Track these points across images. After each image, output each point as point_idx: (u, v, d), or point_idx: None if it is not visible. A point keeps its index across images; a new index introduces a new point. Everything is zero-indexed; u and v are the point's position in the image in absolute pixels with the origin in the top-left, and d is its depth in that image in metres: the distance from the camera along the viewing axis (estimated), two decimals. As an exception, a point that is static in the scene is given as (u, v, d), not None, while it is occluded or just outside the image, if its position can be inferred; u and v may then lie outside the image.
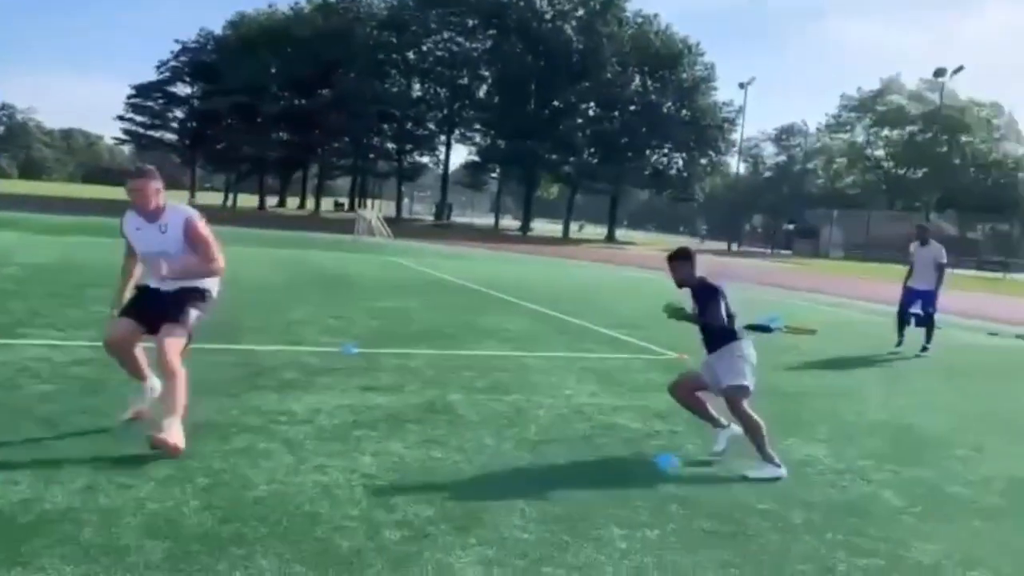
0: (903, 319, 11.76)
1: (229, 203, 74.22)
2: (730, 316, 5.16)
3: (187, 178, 79.43)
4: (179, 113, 77.60)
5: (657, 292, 11.30)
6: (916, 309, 11.67)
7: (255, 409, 5.59)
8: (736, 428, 5.20)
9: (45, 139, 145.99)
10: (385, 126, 70.36)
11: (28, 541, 3.27)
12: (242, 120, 70.41)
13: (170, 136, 78.84)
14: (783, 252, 67.05)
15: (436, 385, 6.86)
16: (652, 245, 56.57)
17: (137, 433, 4.67)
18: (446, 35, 68.22)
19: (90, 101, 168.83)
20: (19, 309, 9.03)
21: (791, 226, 76.88)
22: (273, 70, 69.96)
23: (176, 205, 5.01)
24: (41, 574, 3.01)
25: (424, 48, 69.40)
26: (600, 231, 74.74)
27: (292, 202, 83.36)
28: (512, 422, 5.86)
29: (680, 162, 69.86)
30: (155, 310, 4.81)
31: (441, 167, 74.94)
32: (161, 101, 76.41)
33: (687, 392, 5.35)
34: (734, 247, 72.22)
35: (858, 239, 67.01)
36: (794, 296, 22.07)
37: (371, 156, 72.93)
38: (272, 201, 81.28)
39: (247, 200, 77.45)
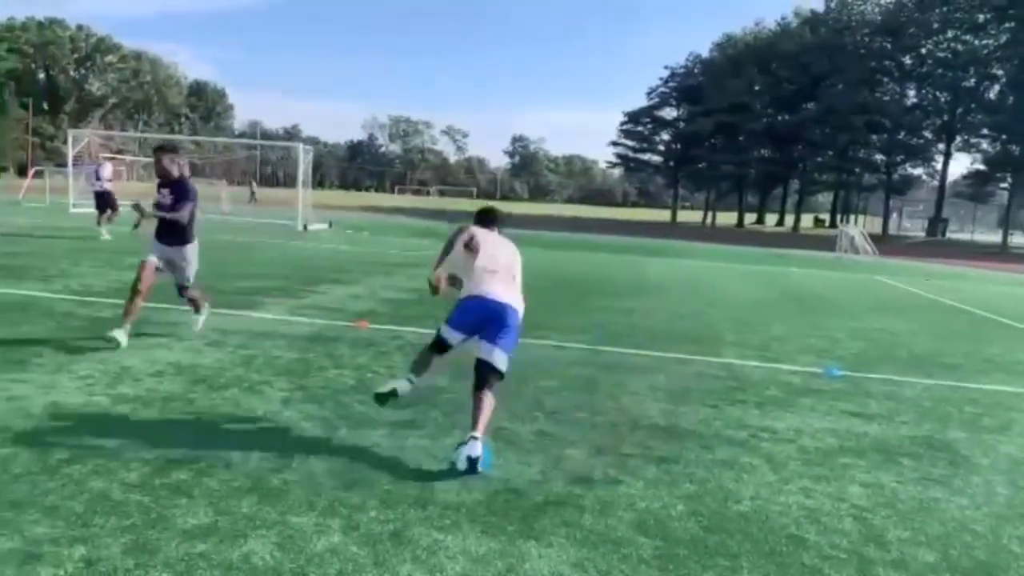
0: None
1: (708, 221, 76.31)
2: None
3: (669, 197, 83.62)
4: (665, 136, 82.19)
5: None
6: None
7: (737, 422, 5.61)
8: None
9: (550, 165, 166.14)
10: (874, 137, 66.29)
11: (539, 519, 3.68)
12: (723, 139, 72.09)
13: (656, 158, 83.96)
14: None
15: (934, 418, 6.18)
16: None
17: (627, 434, 5.01)
18: (950, 34, 62.26)
19: (587, 128, 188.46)
20: (529, 314, 10.28)
21: None
22: (757, 87, 70.50)
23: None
24: (551, 549, 3.36)
25: (923, 51, 64.16)
26: None
27: (770, 219, 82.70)
28: (1032, 471, 5.02)
29: None
30: None
31: (936, 179, 68.19)
32: (649, 125, 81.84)
33: None
34: None
35: None
36: None
37: (856, 169, 69.14)
38: (750, 218, 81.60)
39: (725, 218, 78.84)
